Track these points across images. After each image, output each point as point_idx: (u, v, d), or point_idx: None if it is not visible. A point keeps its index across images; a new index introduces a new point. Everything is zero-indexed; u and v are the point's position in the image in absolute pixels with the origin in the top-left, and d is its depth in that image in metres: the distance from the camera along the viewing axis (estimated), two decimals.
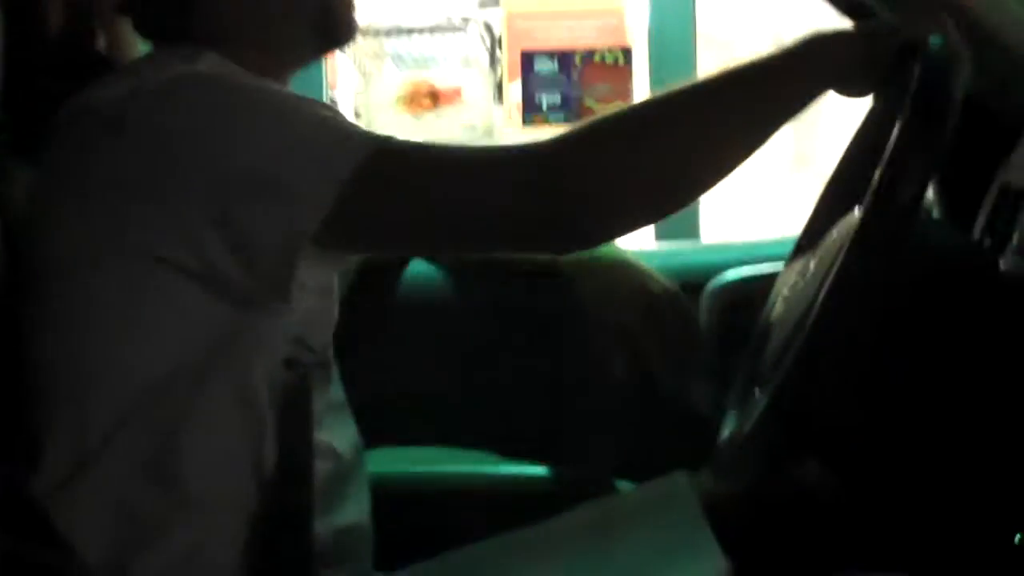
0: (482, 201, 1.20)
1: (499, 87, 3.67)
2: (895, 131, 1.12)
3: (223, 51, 1.29)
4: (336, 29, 1.37)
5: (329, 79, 3.90)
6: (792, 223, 1.64)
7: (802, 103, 1.24)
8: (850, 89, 1.28)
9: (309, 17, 1.35)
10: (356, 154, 1.17)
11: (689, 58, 3.41)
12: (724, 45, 4.41)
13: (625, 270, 1.58)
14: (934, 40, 1.18)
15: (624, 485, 1.76)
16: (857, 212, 1.23)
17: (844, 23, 1.60)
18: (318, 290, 1.32)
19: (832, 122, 1.28)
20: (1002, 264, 1.33)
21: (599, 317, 1.60)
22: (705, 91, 1.24)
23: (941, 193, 1.73)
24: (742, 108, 1.23)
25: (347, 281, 1.68)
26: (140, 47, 1.47)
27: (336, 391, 1.42)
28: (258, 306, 1.23)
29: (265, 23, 1.34)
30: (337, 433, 1.39)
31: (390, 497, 1.51)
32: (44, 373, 1.26)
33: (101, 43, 1.60)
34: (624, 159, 1.19)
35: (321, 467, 1.33)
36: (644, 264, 1.60)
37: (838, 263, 1.11)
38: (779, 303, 1.39)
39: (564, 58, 3.52)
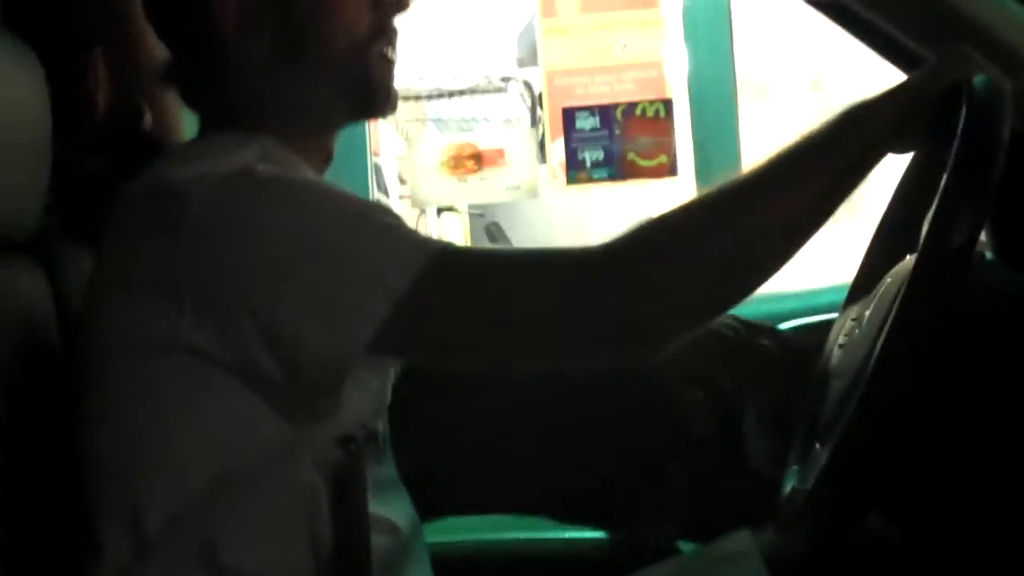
0: (535, 312, 1.18)
1: (542, 145, 3.68)
2: (945, 174, 1.10)
3: (269, 127, 1.30)
4: (377, 100, 1.37)
5: (372, 145, 3.93)
6: (844, 271, 1.63)
7: (860, 171, 1.22)
8: (903, 144, 1.27)
9: (350, 90, 1.35)
10: (413, 266, 1.15)
11: (730, 105, 3.40)
12: (763, 88, 4.41)
13: None
14: (977, 80, 1.17)
15: (686, 546, 1.74)
16: (910, 258, 1.22)
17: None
18: (372, 385, 1.31)
19: (878, 167, 1.27)
20: None
21: (675, 372, 1.57)
22: (762, 177, 1.22)
23: (994, 233, 1.71)
24: (800, 191, 1.20)
25: None
26: (186, 118, 1.48)
27: (388, 465, 1.41)
28: (308, 410, 1.22)
29: (308, 98, 1.34)
30: (393, 507, 1.38)
31: (451, 567, 1.50)
32: (100, 462, 1.25)
33: (147, 119, 1.62)
34: (683, 264, 1.17)
35: (379, 541, 1.31)
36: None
37: (895, 310, 1.10)
38: (836, 352, 1.37)
39: (605, 113, 3.53)
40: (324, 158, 1.38)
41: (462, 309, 1.18)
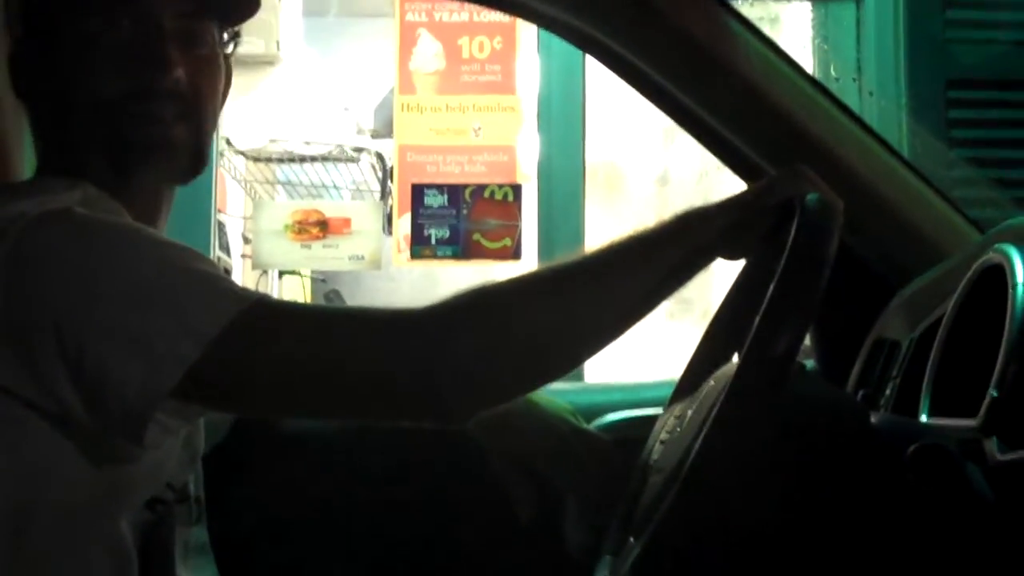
0: (348, 366, 1.18)
1: (389, 219, 3.68)
2: (772, 283, 1.14)
3: (96, 180, 1.28)
4: (130, 158, 1.31)
5: (218, 202, 3.89)
6: (672, 367, 1.66)
7: (688, 272, 1.26)
8: (733, 252, 1.31)
9: (107, 146, 1.30)
10: (227, 312, 1.15)
11: (577, 192, 3.46)
12: (611, 179, 4.48)
13: (533, 410, 1.56)
14: (810, 197, 1.21)
15: None
16: (735, 360, 1.25)
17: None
18: (180, 433, 1.29)
19: (712, 269, 1.30)
20: (873, 418, 1.35)
21: (503, 459, 1.57)
22: (590, 263, 1.25)
23: (817, 344, 1.76)
24: (626, 280, 1.23)
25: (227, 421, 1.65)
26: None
27: (200, 532, 1.39)
28: (114, 450, 1.20)
29: (88, 154, 1.31)
30: (200, 573, 1.36)
31: None
32: None
33: None
34: (502, 334, 1.18)
35: None
36: (554, 402, 1.59)
37: (714, 411, 1.12)
38: (657, 447, 1.40)
39: (454, 192, 3.55)
40: (152, 218, 1.34)
41: (273, 358, 1.18)
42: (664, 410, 1.48)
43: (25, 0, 1.34)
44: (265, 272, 4.47)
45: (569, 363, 1.25)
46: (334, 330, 1.20)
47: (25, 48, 1.33)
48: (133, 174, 1.31)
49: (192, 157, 1.34)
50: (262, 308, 1.18)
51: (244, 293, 1.19)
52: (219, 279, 1.20)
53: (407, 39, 3.69)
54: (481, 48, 3.67)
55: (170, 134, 1.31)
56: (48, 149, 1.36)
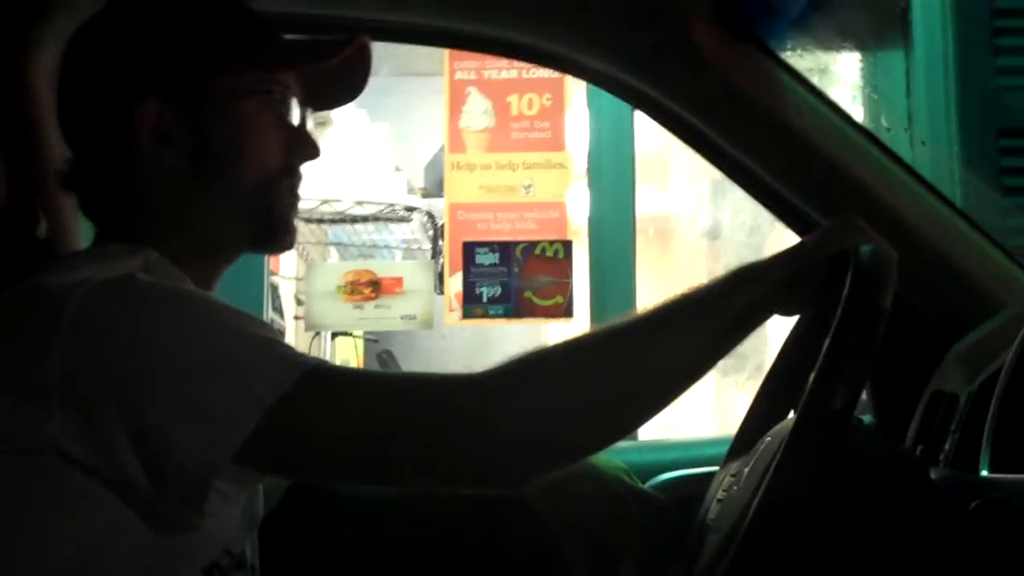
0: (408, 432, 1.17)
1: (440, 278, 3.69)
2: (828, 338, 1.13)
3: (165, 246, 1.29)
4: (277, 234, 1.38)
5: (271, 264, 3.91)
6: (727, 424, 1.64)
7: (744, 329, 1.25)
8: (788, 307, 1.30)
9: (254, 221, 1.36)
10: (285, 379, 1.15)
11: (628, 249, 3.46)
12: (662, 235, 4.48)
13: (589, 471, 1.55)
14: (864, 249, 1.20)
15: None
16: (791, 417, 1.23)
17: None
18: (240, 499, 1.29)
19: (766, 323, 1.29)
20: (933, 473, 1.33)
21: (560, 521, 1.56)
22: (645, 324, 1.24)
23: (874, 399, 1.74)
24: (682, 340, 1.23)
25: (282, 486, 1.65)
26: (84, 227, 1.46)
27: None
28: (173, 519, 1.20)
29: (209, 223, 1.34)
30: None
31: None
32: None
33: (43, 227, 1.59)
34: (561, 397, 1.18)
35: None
36: (610, 463, 1.58)
37: (772, 469, 1.11)
38: (714, 506, 1.38)
39: (505, 250, 3.56)
40: (212, 283, 1.37)
41: (330, 425, 1.18)
42: (720, 468, 1.47)
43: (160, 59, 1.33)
44: (318, 334, 4.49)
45: (628, 425, 1.24)
46: (394, 395, 1.20)
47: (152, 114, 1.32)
48: (268, 251, 1.36)
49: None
50: (321, 374, 1.18)
51: (303, 359, 1.19)
52: (277, 344, 1.21)
53: (456, 97, 3.72)
54: (530, 105, 3.69)
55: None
56: (111, 218, 1.36)
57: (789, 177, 1.76)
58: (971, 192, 3.18)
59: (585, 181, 3.56)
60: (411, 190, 5.69)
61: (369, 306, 3.63)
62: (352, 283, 3.64)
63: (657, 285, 3.74)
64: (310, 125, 1.41)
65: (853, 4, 3.30)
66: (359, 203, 4.44)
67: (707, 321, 1.23)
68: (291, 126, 1.37)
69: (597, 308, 3.41)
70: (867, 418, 1.73)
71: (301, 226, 4.62)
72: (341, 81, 1.41)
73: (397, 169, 5.65)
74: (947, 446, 1.39)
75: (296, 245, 4.24)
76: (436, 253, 3.94)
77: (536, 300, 3.52)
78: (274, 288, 4.21)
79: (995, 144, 3.28)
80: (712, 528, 1.32)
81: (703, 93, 1.73)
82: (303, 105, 1.39)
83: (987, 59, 3.32)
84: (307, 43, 1.53)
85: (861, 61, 3.64)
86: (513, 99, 3.69)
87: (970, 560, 1.15)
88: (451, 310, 3.64)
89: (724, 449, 1.49)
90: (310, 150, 1.38)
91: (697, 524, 1.40)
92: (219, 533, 1.25)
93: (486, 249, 3.56)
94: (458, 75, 3.73)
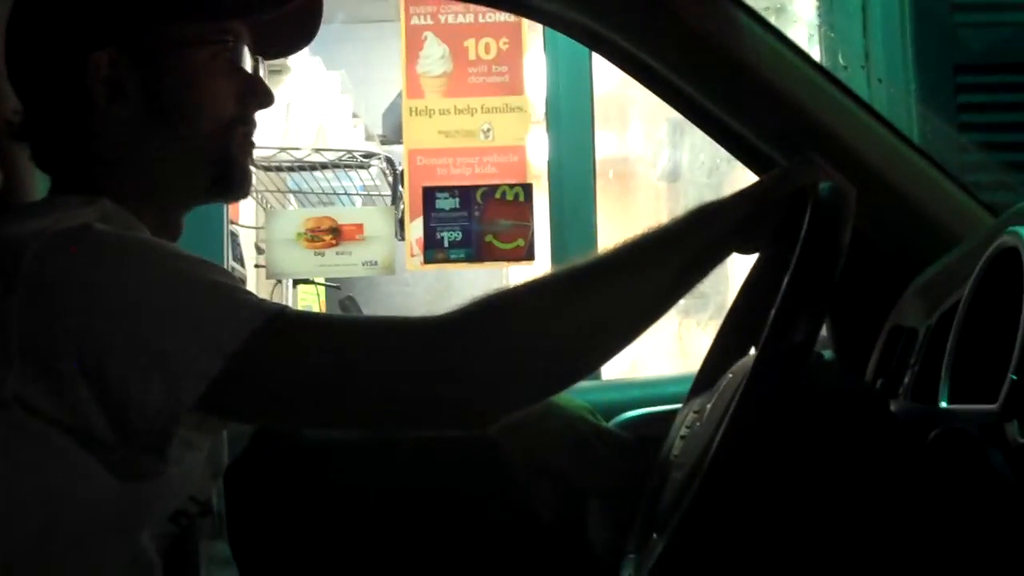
0: (372, 375, 1.18)
1: (401, 223, 3.68)
2: (787, 274, 1.14)
3: (120, 195, 1.29)
4: (233, 181, 1.38)
5: (231, 212, 3.89)
6: (689, 362, 1.66)
7: (704, 267, 1.26)
8: (747, 245, 1.31)
9: (210, 168, 1.35)
10: (246, 325, 1.16)
11: (588, 192, 3.46)
12: (623, 175, 4.48)
13: (553, 410, 1.56)
14: (823, 187, 1.21)
15: None
16: (752, 354, 1.24)
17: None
18: (204, 447, 1.29)
19: (727, 262, 1.30)
20: (893, 405, 1.34)
21: (525, 461, 1.57)
22: (606, 264, 1.25)
23: (834, 334, 1.76)
24: (643, 278, 1.24)
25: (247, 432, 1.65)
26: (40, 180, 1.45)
27: (223, 543, 1.39)
28: (137, 467, 1.20)
29: (166, 172, 1.34)
30: None
31: None
32: None
33: None
34: (524, 337, 1.19)
35: None
36: (574, 402, 1.59)
37: (734, 404, 1.12)
38: (677, 443, 1.40)
39: (465, 194, 3.55)
40: (171, 232, 1.37)
41: (294, 369, 1.18)
42: (683, 405, 1.48)
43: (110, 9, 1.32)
44: (279, 281, 4.48)
45: (591, 363, 1.25)
46: (358, 339, 1.21)
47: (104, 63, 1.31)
48: (225, 199, 1.35)
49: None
50: (282, 320, 1.19)
51: (264, 305, 1.19)
52: (238, 291, 1.21)
53: (413, 43, 3.69)
54: (488, 49, 3.67)
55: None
56: (66, 169, 1.35)
57: (747, 117, 1.77)
58: (928, 129, 3.20)
59: (544, 125, 3.56)
60: (369, 137, 5.67)
61: (330, 253, 3.63)
62: (312, 230, 3.63)
63: (618, 227, 3.75)
64: (263, 73, 1.40)
65: None
66: (317, 150, 4.42)
67: (668, 260, 1.24)
68: (244, 74, 1.36)
69: (558, 251, 3.41)
70: (827, 353, 1.75)
71: (260, 174, 4.61)
72: (293, 29, 1.41)
73: (355, 116, 5.63)
74: (907, 379, 1.41)
75: (255, 193, 4.23)
76: (396, 199, 3.92)
77: (497, 244, 3.53)
78: (234, 236, 4.19)
79: (952, 81, 3.29)
80: (676, 464, 1.34)
81: (660, 34, 1.72)
82: (255, 53, 1.38)
83: None
84: None
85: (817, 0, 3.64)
86: (470, 44, 3.68)
87: (929, 488, 1.17)
88: (412, 255, 3.63)
89: (687, 387, 1.51)
90: (263, 98, 1.38)
91: (661, 460, 1.41)
92: (184, 481, 1.26)
93: (446, 194, 3.56)
94: (414, 20, 3.71)
